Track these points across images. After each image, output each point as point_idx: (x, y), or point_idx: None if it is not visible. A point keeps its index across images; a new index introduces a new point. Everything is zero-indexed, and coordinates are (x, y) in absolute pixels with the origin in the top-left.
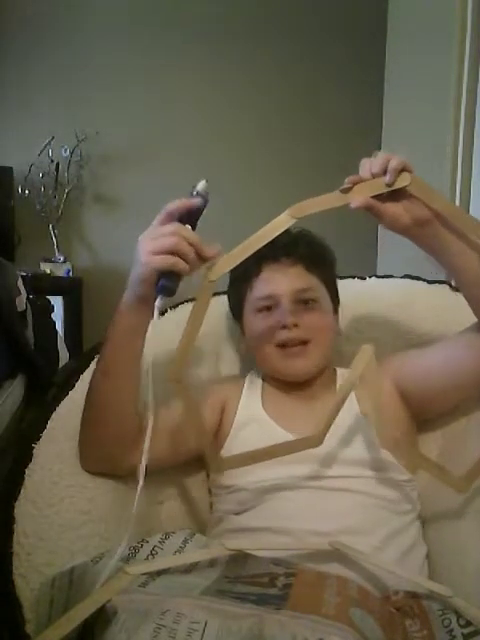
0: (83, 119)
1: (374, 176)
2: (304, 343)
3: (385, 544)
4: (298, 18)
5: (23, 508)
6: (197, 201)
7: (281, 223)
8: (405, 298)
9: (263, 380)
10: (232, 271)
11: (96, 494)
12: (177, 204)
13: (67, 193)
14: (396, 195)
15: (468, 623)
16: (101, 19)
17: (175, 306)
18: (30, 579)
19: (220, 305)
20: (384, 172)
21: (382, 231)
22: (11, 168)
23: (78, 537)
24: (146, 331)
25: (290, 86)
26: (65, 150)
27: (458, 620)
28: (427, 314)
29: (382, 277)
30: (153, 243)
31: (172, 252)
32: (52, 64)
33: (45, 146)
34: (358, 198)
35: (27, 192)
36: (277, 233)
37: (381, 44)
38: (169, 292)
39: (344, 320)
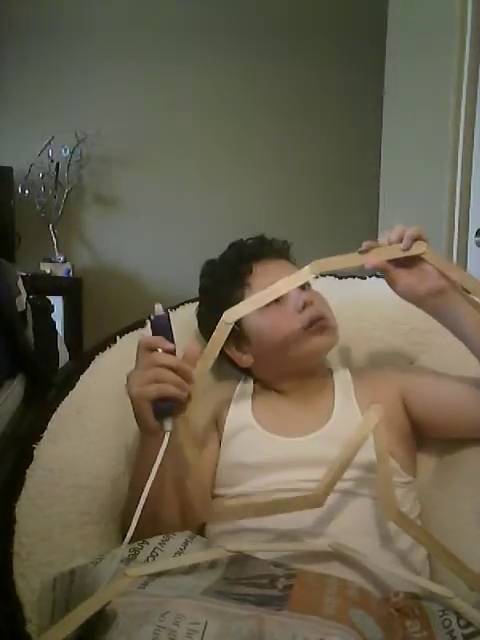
0: (83, 119)
1: (391, 244)
2: (324, 317)
3: (384, 545)
4: (298, 19)
5: (24, 508)
6: (171, 346)
7: (302, 276)
8: None
9: (254, 386)
10: (216, 284)
11: (97, 495)
12: (149, 340)
13: (67, 193)
14: (411, 264)
15: (468, 624)
16: (101, 19)
17: (176, 307)
18: (30, 579)
19: None
20: (400, 240)
21: (382, 231)
22: (11, 168)
23: (79, 538)
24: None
25: (289, 87)
26: (65, 150)
27: (458, 621)
28: (427, 314)
29: (382, 277)
30: (137, 378)
31: (157, 381)
32: (52, 64)
33: (45, 146)
34: (373, 259)
35: (27, 192)
36: (297, 284)
37: (381, 44)
38: (170, 412)
39: (344, 320)
